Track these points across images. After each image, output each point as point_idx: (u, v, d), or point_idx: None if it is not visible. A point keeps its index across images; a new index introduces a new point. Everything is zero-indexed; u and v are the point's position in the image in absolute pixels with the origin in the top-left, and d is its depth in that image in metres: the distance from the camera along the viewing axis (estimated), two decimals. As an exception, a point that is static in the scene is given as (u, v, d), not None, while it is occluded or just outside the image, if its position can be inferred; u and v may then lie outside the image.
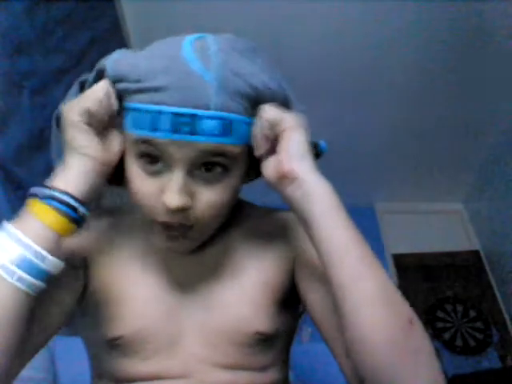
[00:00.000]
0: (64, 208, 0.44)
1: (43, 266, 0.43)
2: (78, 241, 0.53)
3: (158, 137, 0.46)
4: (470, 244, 2.67)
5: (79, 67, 1.42)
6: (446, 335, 2.35)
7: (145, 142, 0.47)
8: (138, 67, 0.47)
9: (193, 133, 0.45)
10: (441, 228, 2.67)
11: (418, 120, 2.27)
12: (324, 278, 0.48)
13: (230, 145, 0.47)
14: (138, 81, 0.47)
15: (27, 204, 0.45)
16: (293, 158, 0.47)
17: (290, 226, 0.62)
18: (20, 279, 0.41)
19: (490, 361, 2.23)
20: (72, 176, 0.47)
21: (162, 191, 0.48)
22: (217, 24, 1.85)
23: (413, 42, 1.89)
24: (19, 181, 1.13)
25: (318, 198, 0.46)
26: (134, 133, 0.48)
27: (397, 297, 0.44)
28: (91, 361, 0.64)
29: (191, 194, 0.48)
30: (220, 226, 0.56)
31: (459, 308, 2.45)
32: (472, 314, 2.42)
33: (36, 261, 0.42)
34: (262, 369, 0.58)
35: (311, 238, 0.47)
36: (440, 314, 2.43)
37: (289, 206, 0.50)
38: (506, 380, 1.86)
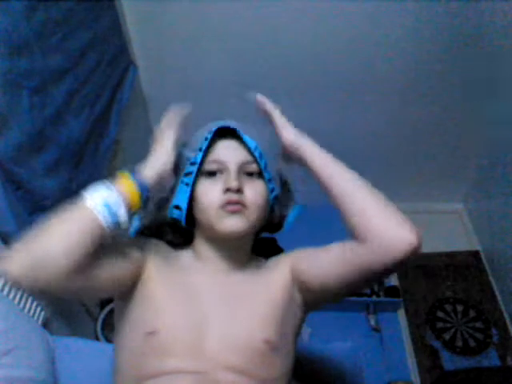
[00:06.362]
0: (140, 188, 0.67)
1: (120, 214, 0.63)
2: (148, 244, 0.78)
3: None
4: (470, 244, 2.68)
5: (79, 67, 1.43)
6: (446, 335, 2.36)
7: (215, 161, 0.77)
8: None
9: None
10: (441, 228, 2.67)
11: (418, 120, 2.27)
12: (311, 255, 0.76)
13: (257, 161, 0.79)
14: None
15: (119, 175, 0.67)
16: (294, 136, 0.78)
17: (281, 261, 0.83)
18: (107, 215, 0.61)
19: (490, 361, 2.23)
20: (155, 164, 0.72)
21: (223, 184, 0.74)
22: (216, 24, 1.87)
23: (413, 40, 1.90)
24: (19, 181, 1.13)
25: (310, 148, 0.76)
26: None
27: (376, 191, 0.70)
28: (118, 359, 0.74)
29: (241, 186, 0.74)
30: (240, 261, 0.80)
31: (459, 308, 2.45)
32: (472, 314, 2.42)
33: (118, 209, 0.62)
34: (269, 381, 0.70)
35: (315, 171, 0.74)
36: (440, 314, 2.44)
37: (299, 160, 0.77)
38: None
